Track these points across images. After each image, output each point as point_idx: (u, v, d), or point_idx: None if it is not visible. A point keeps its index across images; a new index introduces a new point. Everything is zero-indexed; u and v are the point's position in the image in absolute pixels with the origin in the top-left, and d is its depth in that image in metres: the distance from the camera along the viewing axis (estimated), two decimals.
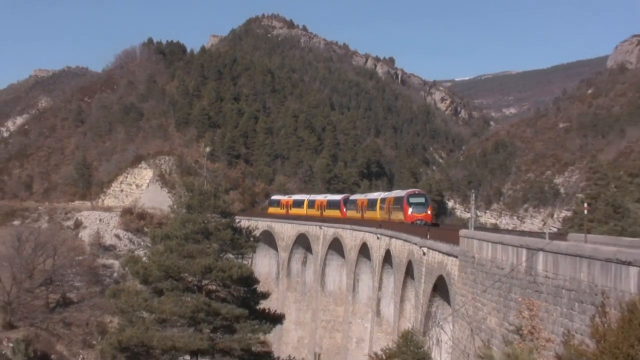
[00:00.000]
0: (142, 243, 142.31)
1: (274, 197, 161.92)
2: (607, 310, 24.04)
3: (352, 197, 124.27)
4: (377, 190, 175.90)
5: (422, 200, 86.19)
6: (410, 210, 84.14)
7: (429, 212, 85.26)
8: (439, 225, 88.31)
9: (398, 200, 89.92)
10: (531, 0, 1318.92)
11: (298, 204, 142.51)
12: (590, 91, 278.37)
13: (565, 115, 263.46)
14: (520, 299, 33.92)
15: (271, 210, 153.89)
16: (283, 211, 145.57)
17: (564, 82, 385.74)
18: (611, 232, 69.02)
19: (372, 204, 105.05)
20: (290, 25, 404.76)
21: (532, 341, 29.09)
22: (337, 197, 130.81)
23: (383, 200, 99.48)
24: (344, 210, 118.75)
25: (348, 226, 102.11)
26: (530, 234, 71.79)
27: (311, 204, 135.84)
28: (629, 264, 25.36)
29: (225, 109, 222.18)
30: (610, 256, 26.84)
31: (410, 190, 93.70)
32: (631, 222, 74.81)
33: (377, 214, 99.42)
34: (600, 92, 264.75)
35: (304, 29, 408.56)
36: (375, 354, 60.23)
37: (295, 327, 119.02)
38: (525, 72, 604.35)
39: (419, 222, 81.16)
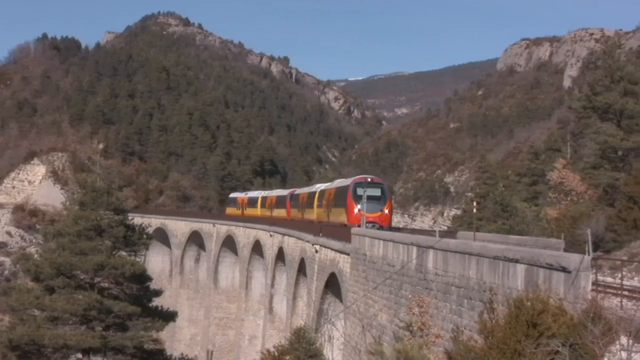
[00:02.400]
0: (34, 240, 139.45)
1: (233, 195, 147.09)
2: (494, 307, 24.61)
3: (298, 190, 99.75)
4: (268, 188, 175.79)
5: (376, 192, 60.22)
6: (357, 207, 59.03)
7: (387, 210, 60.08)
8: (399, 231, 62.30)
9: (340, 193, 65.18)
10: (423, 3, 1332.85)
11: (252, 202, 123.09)
12: (480, 92, 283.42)
13: (455, 115, 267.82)
14: (410, 296, 34.44)
15: (229, 210, 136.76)
16: (239, 212, 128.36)
17: (455, 84, 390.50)
18: (499, 230, 70.23)
19: (310, 199, 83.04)
20: (186, 23, 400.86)
21: (422, 337, 29.58)
22: (286, 192, 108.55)
23: (322, 193, 75.94)
24: (290, 208, 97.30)
25: (241, 224, 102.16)
26: (421, 232, 72.63)
27: (264, 202, 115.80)
28: (516, 261, 26.02)
29: (119, 105, 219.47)
30: (498, 254, 27.48)
31: (358, 177, 66.16)
32: (519, 220, 76.25)
33: (315, 213, 77.62)
34: (490, 94, 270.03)
35: (200, 27, 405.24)
36: (268, 350, 60.27)
37: (188, 325, 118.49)
38: (418, 73, 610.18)
39: (369, 225, 56.13)
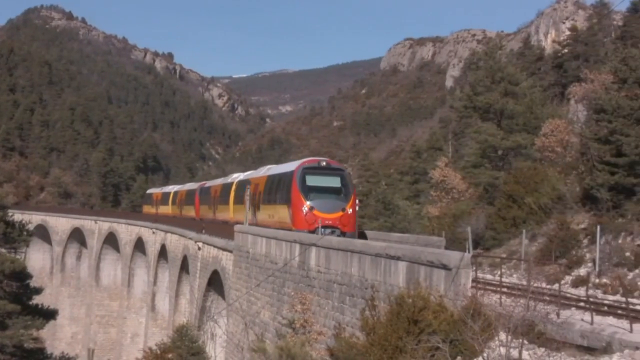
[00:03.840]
0: None
1: (149, 191, 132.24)
2: (376, 304, 24.74)
3: (210, 183, 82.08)
4: (154, 185, 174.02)
5: (334, 182, 43.40)
6: (307, 204, 41.67)
7: (350, 209, 42.24)
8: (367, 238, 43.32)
9: (279, 184, 46.99)
10: (308, 0, 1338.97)
11: (165, 199, 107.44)
12: (363, 91, 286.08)
13: (339, 113, 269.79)
14: (293, 293, 34.43)
15: (146, 209, 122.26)
16: (154, 210, 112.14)
17: (339, 82, 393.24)
18: (381, 227, 70.96)
19: (225, 194, 65.87)
20: (70, 17, 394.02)
21: (304, 334, 29.58)
22: (195, 185, 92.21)
23: (242, 185, 58.70)
24: (199, 205, 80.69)
25: (123, 220, 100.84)
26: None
27: (175, 198, 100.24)
28: (398, 258, 26.23)
29: (0, 100, 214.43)
30: (380, 251, 27.66)
31: (306, 160, 47.64)
32: (400, 218, 77.16)
33: (230, 211, 62.25)
34: (374, 92, 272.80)
35: (83, 21, 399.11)
36: (150, 348, 59.51)
37: (69, 323, 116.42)
38: (302, 71, 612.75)
39: (327, 231, 40.09)
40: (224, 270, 53.87)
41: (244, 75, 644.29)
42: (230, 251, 51.29)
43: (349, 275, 30.27)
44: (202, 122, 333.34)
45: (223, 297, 56.77)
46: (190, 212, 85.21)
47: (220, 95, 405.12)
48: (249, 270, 46.08)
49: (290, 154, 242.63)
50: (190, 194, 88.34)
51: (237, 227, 51.03)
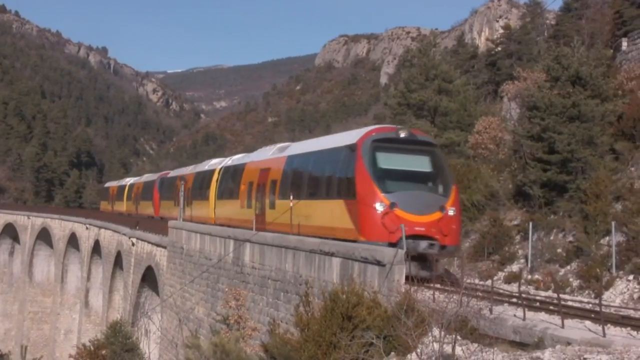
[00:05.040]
0: None
1: (107, 185, 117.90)
2: (310, 300, 24.74)
3: (175, 172, 68.44)
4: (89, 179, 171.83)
5: (422, 163, 27.95)
6: (384, 201, 25.98)
7: (452, 209, 26.82)
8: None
9: (330, 165, 30.47)
10: None
11: (120, 193, 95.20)
12: (298, 87, 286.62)
13: (274, 109, 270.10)
14: (227, 289, 34.31)
15: (103, 206, 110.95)
16: (110, 207, 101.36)
17: (273, 78, 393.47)
18: None
19: (200, 186, 52.74)
20: (2, 10, 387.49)
21: (238, 330, 29.50)
22: (154, 176, 79.45)
23: (235, 173, 44.88)
24: (158, 201, 68.89)
25: (56, 216, 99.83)
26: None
27: (130, 192, 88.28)
28: (332, 254, 26.29)
29: None
30: (314, 247, 27.71)
31: (374, 127, 30.65)
32: None
33: (211, 209, 48.61)
34: (308, 89, 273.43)
35: (17, 14, 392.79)
36: (84, 345, 59.03)
37: (1, 319, 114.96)
38: (237, 67, 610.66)
39: (423, 244, 25.67)
40: (158, 266, 53.61)
41: (179, 71, 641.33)
42: (165, 247, 51.03)
43: (283, 271, 30.29)
44: (137, 117, 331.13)
45: (157, 293, 56.51)
46: (147, 209, 73.32)
47: (154, 91, 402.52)
48: (183, 266, 45.90)
49: (225, 150, 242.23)
50: (147, 187, 75.51)
51: (171, 223, 50.75)
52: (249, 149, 77.01)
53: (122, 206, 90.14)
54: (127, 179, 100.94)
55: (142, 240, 59.74)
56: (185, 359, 30.39)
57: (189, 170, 60.31)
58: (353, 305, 21.11)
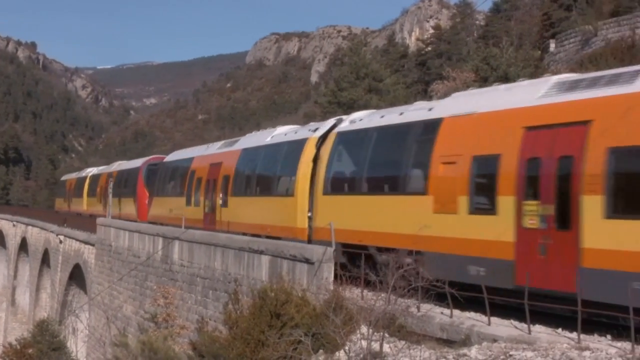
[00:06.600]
0: None
1: (64, 178, 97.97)
2: (239, 298, 24.72)
3: (174, 155, 50.30)
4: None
5: None
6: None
7: None
8: None
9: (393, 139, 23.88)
10: None
11: (79, 188, 77.60)
12: (229, 85, 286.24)
13: (204, 107, 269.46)
14: (156, 287, 34.19)
15: (58, 204, 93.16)
16: (66, 206, 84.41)
17: (204, 75, 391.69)
18: None
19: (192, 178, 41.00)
20: None
21: (167, 328, 29.38)
22: (138, 162, 59.71)
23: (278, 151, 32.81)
24: (147, 196, 51.15)
25: None
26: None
27: (93, 186, 70.38)
28: (261, 252, 26.32)
29: None
30: (243, 245, 27.70)
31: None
32: None
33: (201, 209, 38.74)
34: (239, 86, 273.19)
35: None
36: (10, 344, 58.36)
37: None
38: (167, 64, 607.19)
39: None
40: (85, 264, 53.14)
41: (108, 67, 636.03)
42: (93, 245, 50.59)
43: (212, 269, 30.22)
44: (65, 113, 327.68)
45: (85, 291, 56.03)
46: (128, 207, 55.46)
47: (84, 86, 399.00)
48: (111, 264, 45.54)
49: (154, 147, 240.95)
50: (129, 177, 57.70)
51: (99, 220, 50.33)
52: (179, 147, 73.70)
53: (81, 205, 74.26)
54: (89, 169, 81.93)
55: (70, 237, 59.19)
56: (113, 357, 30.20)
57: (198, 151, 45.85)
58: (282, 303, 21.14)
